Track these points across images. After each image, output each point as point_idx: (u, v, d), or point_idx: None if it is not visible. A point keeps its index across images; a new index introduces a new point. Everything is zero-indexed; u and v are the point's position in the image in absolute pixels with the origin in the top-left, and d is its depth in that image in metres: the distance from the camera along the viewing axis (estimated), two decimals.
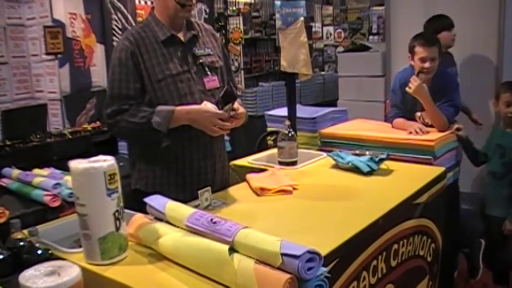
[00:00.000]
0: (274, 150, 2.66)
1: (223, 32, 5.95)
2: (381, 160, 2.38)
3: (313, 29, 7.35)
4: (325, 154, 2.63)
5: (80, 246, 1.50)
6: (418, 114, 2.98)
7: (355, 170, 2.32)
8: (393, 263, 1.89)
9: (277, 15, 2.96)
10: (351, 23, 7.19)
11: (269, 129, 3.38)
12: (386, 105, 4.15)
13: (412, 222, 2.02)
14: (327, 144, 2.90)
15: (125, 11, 4.64)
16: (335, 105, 5.00)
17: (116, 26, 4.58)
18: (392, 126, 3.05)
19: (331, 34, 7.49)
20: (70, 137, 3.85)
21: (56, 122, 4.23)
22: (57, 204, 2.45)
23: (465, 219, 3.40)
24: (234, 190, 2.19)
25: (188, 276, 1.37)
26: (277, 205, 1.96)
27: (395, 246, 1.89)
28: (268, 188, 2.07)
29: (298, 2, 2.90)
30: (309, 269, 1.19)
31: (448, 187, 2.49)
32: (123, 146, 3.65)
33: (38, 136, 3.63)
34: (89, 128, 4.08)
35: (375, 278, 1.76)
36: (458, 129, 2.87)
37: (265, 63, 6.93)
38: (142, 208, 1.67)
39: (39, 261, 1.28)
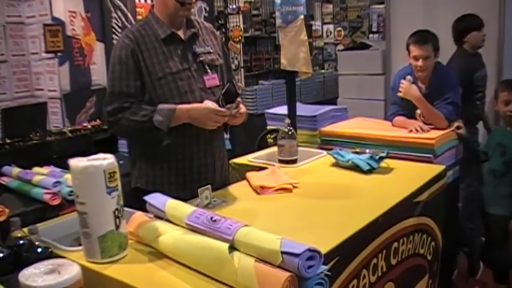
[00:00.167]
0: (274, 149, 2.66)
1: (223, 30, 5.95)
2: (381, 158, 2.38)
3: (313, 27, 7.34)
4: (325, 152, 2.63)
5: (80, 245, 1.50)
6: (418, 112, 2.98)
7: (355, 168, 2.32)
8: (393, 261, 1.89)
9: (277, 14, 2.96)
10: (351, 21, 7.20)
11: (269, 127, 3.38)
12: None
13: (412, 220, 2.02)
14: (327, 143, 2.90)
15: (125, 9, 4.63)
16: (335, 104, 4.99)
17: (116, 24, 4.58)
18: (393, 124, 3.05)
19: (331, 32, 7.48)
20: (70, 135, 3.84)
21: (55, 120, 4.23)
22: (57, 202, 2.46)
23: (465, 218, 3.40)
24: (234, 188, 2.19)
25: (188, 275, 1.37)
26: (277, 203, 1.96)
27: (396, 244, 1.89)
28: (268, 186, 2.08)
29: (298, 0, 2.90)
30: (309, 267, 1.19)
31: (448, 185, 2.49)
32: (123, 144, 3.65)
33: (37, 134, 3.62)
34: (89, 127, 4.08)
35: (375, 276, 1.77)
36: (458, 128, 2.87)
37: (265, 61, 6.92)
38: (142, 206, 1.67)
39: (39, 259, 1.28)
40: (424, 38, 2.99)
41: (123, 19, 4.62)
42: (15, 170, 2.78)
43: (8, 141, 3.45)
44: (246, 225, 1.34)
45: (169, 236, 1.48)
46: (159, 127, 2.00)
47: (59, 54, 4.17)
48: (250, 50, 6.81)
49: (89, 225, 1.43)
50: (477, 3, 4.40)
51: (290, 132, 2.49)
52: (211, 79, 2.17)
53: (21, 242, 1.45)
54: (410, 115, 3.01)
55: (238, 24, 5.99)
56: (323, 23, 7.54)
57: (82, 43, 4.39)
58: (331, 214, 1.82)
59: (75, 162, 1.43)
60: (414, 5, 4.84)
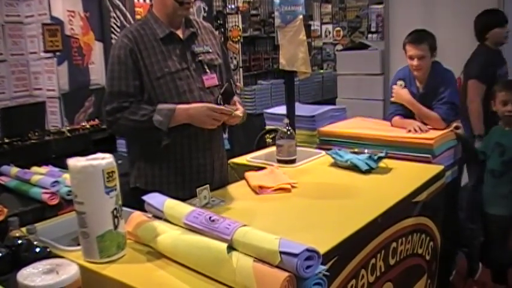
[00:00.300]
0: (273, 149, 2.66)
1: (222, 30, 5.95)
2: (380, 158, 2.38)
3: (312, 27, 7.34)
4: (323, 152, 2.63)
5: (78, 244, 1.50)
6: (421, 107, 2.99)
7: (354, 168, 2.32)
8: (392, 262, 1.89)
9: (276, 13, 2.96)
10: (350, 21, 7.21)
11: (268, 127, 3.38)
12: None
13: (410, 220, 2.02)
14: (326, 143, 2.90)
15: (124, 8, 4.63)
16: (334, 104, 4.99)
17: (115, 23, 4.57)
18: (392, 124, 3.05)
19: (330, 32, 7.48)
20: (68, 135, 3.84)
21: (54, 120, 4.23)
22: (55, 202, 2.45)
23: (465, 218, 3.40)
24: (232, 188, 2.19)
25: (186, 275, 1.37)
26: (276, 203, 1.96)
27: (394, 244, 1.90)
28: (267, 186, 2.07)
29: (297, 0, 2.90)
30: (308, 267, 1.19)
31: (447, 185, 2.49)
32: (121, 144, 3.65)
33: (36, 134, 3.62)
34: (88, 126, 4.07)
35: (374, 276, 1.77)
36: (457, 128, 2.88)
37: (264, 61, 6.93)
38: (141, 206, 1.67)
39: (37, 259, 1.28)
40: (419, 37, 3.00)
41: (122, 19, 4.62)
42: (14, 170, 2.78)
43: (6, 140, 3.45)
44: (244, 225, 1.34)
45: (168, 235, 1.48)
46: (158, 127, 2.00)
47: (57, 53, 4.17)
48: (249, 49, 6.81)
49: (87, 225, 1.43)
50: (477, 3, 4.40)
51: (289, 132, 2.49)
52: (210, 79, 2.17)
53: (19, 241, 1.44)
54: (410, 115, 3.01)
55: (237, 24, 5.99)
56: (322, 23, 7.54)
57: (81, 43, 4.39)
58: (330, 214, 1.82)
59: (74, 162, 1.43)
60: (413, 5, 4.84)
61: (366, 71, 5.37)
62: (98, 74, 4.51)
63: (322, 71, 7.17)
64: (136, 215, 1.62)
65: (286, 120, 2.57)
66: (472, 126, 3.48)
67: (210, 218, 1.40)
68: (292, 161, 2.48)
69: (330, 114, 3.19)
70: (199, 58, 2.17)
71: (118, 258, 1.47)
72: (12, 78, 4.16)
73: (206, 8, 5.60)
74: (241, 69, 6.07)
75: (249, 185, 2.15)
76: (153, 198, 1.64)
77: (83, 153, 1.53)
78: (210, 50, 2.23)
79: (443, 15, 4.57)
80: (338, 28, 7.36)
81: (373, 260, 1.75)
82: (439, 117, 2.88)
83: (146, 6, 4.69)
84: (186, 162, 2.13)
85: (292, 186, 2.10)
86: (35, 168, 2.83)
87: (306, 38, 2.89)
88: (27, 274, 1.18)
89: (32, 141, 3.56)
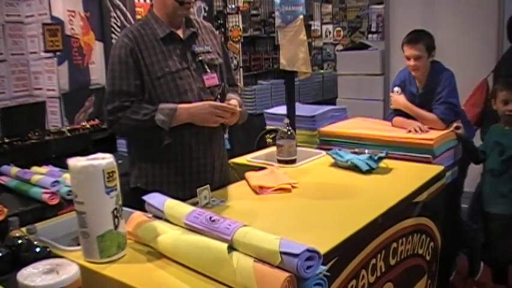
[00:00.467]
0: (273, 149, 2.66)
1: (222, 30, 5.94)
2: (380, 158, 2.38)
3: (312, 27, 7.33)
4: (324, 152, 2.63)
5: (79, 244, 1.50)
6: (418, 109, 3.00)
7: (354, 168, 2.32)
8: (392, 262, 1.89)
9: (277, 13, 2.96)
10: (350, 22, 7.20)
11: (268, 127, 3.38)
12: None
13: (411, 220, 2.02)
14: (326, 143, 2.90)
15: (124, 8, 4.63)
16: (334, 104, 4.99)
17: (115, 23, 4.57)
18: (392, 124, 3.06)
19: (330, 32, 7.47)
20: (69, 134, 3.84)
21: (54, 119, 4.22)
22: (55, 202, 2.45)
23: (466, 218, 3.39)
24: (232, 188, 2.19)
25: (187, 275, 1.37)
26: (276, 203, 1.96)
27: (394, 244, 1.89)
28: (267, 186, 2.07)
29: (298, 0, 2.89)
30: (308, 267, 1.19)
31: (447, 186, 2.49)
32: (121, 144, 3.64)
33: (36, 134, 3.62)
34: (88, 126, 4.07)
35: (374, 276, 1.76)
36: (457, 128, 2.87)
37: (264, 61, 6.92)
38: (142, 206, 1.67)
39: (37, 259, 1.28)
40: (415, 38, 3.01)
41: (122, 18, 4.62)
42: (14, 170, 2.78)
43: (6, 140, 3.44)
44: (245, 225, 1.34)
45: (168, 235, 1.47)
46: (161, 126, 2.00)
47: (57, 53, 4.17)
48: (249, 49, 6.80)
49: (87, 224, 1.43)
50: (477, 3, 4.40)
51: (289, 132, 2.49)
52: (211, 78, 2.17)
53: (19, 241, 1.44)
54: (410, 115, 3.01)
55: (237, 24, 5.99)
56: (322, 23, 7.53)
57: (81, 42, 4.39)
58: (330, 214, 1.82)
59: (74, 162, 1.43)
60: (413, 5, 4.84)
61: (366, 71, 5.36)
62: (98, 73, 4.51)
63: (322, 71, 7.16)
64: (137, 215, 1.62)
65: (287, 120, 2.57)
66: None
67: (210, 218, 1.40)
68: (293, 161, 2.48)
69: (330, 115, 3.19)
70: (200, 58, 2.17)
71: (118, 258, 1.47)
72: (12, 78, 4.16)
73: (206, 8, 5.60)
74: (241, 69, 6.06)
75: (249, 185, 2.15)
76: (154, 198, 1.64)
77: (83, 153, 1.53)
78: (211, 50, 2.23)
79: (444, 15, 4.57)
80: (338, 28, 7.36)
81: (373, 260, 1.75)
82: (436, 118, 2.88)
83: (146, 6, 4.68)
84: (186, 162, 2.13)
85: (293, 187, 2.10)
86: (35, 168, 2.83)
87: (306, 38, 2.89)
88: (27, 274, 1.18)
89: (32, 141, 3.55)
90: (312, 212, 1.86)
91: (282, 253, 1.20)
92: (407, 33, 3.08)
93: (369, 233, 1.70)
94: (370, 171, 2.30)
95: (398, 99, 3.07)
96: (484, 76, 3.97)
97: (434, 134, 2.71)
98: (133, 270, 1.41)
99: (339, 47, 7.12)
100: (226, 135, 2.52)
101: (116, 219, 1.45)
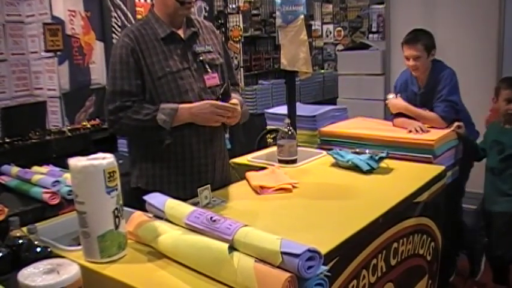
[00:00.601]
0: (274, 149, 2.66)
1: (223, 29, 5.94)
2: (381, 159, 2.38)
3: (313, 27, 7.33)
4: (324, 152, 2.63)
5: (79, 244, 1.49)
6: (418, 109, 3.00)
7: (355, 168, 2.32)
8: (393, 262, 1.89)
9: (278, 13, 2.96)
10: (351, 21, 7.20)
11: (269, 127, 3.38)
12: None
13: (412, 221, 2.02)
14: (327, 143, 2.90)
15: (125, 8, 4.62)
16: (335, 104, 4.99)
17: (116, 23, 4.57)
18: (393, 124, 3.06)
19: (330, 32, 7.47)
20: (69, 134, 3.83)
21: (55, 119, 4.22)
22: (56, 202, 2.45)
23: (467, 218, 3.39)
24: (233, 188, 2.19)
25: (187, 275, 1.37)
26: (277, 203, 1.96)
27: (395, 244, 1.89)
28: (268, 186, 2.07)
29: (298, 0, 2.89)
30: (309, 267, 1.19)
31: (448, 186, 2.49)
32: (122, 144, 3.64)
33: (37, 133, 3.61)
34: (88, 126, 4.07)
35: (375, 276, 1.76)
36: (459, 127, 2.87)
37: (265, 61, 6.91)
38: (142, 207, 1.67)
39: (38, 259, 1.27)
40: (413, 38, 3.01)
41: (123, 18, 4.61)
42: (15, 169, 2.78)
43: (7, 140, 3.44)
44: (245, 225, 1.34)
45: (169, 235, 1.47)
46: (162, 126, 2.00)
47: (58, 53, 4.16)
48: (250, 49, 6.80)
49: (88, 224, 1.43)
50: (477, 3, 4.40)
51: (290, 132, 2.49)
52: (212, 78, 2.17)
53: (20, 241, 1.44)
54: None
55: (238, 23, 5.98)
56: (323, 23, 7.53)
57: (82, 42, 4.38)
58: (331, 214, 1.82)
59: (75, 162, 1.43)
60: (414, 5, 4.84)
61: (367, 71, 5.36)
62: (98, 73, 4.50)
63: (323, 71, 7.16)
64: (137, 215, 1.61)
65: (287, 120, 2.57)
66: None
67: (211, 218, 1.40)
68: (293, 161, 2.48)
69: (331, 114, 3.19)
70: (201, 58, 2.16)
71: (119, 258, 1.47)
72: (12, 78, 4.15)
73: (207, 8, 5.60)
74: (242, 69, 6.06)
75: (250, 185, 2.15)
76: (154, 198, 1.64)
77: (84, 152, 1.53)
78: (212, 50, 2.23)
79: (444, 15, 4.57)
80: (339, 28, 7.35)
81: (374, 261, 1.75)
82: (437, 117, 2.89)
83: (147, 6, 4.68)
84: (187, 162, 2.13)
85: (293, 187, 2.10)
86: (35, 168, 2.83)
87: (307, 38, 2.89)
88: (27, 274, 1.17)
89: (33, 140, 3.55)
90: (313, 212, 1.86)
91: (283, 253, 1.19)
92: (407, 33, 3.08)
93: (369, 233, 1.70)
94: (370, 171, 2.30)
95: (397, 103, 3.08)
96: (485, 76, 3.97)
97: (435, 134, 2.71)
98: (133, 270, 1.41)
99: (340, 47, 7.12)
100: (227, 135, 2.52)
101: (117, 219, 1.45)
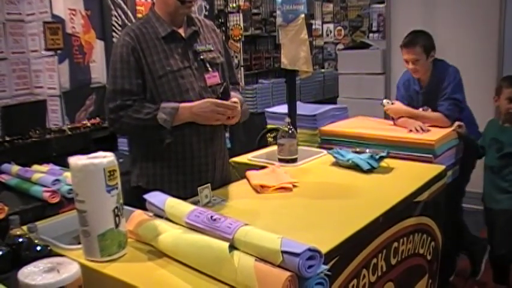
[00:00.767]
0: (274, 148, 2.66)
1: (223, 28, 5.93)
2: (381, 158, 2.38)
3: (313, 27, 7.33)
4: (325, 152, 2.62)
5: (79, 243, 1.49)
6: (420, 110, 2.99)
7: (356, 167, 2.32)
8: (393, 261, 1.89)
9: (278, 12, 2.96)
10: (351, 21, 7.20)
11: (269, 126, 3.37)
12: None
13: (412, 220, 2.02)
14: (327, 142, 2.90)
15: (125, 7, 4.62)
16: (335, 103, 4.99)
17: (116, 22, 4.56)
18: (395, 123, 3.06)
19: (331, 31, 7.47)
20: (69, 133, 3.83)
21: (55, 118, 4.22)
22: (56, 200, 2.45)
23: (467, 218, 3.39)
24: (233, 187, 2.19)
25: (188, 274, 1.37)
26: (277, 202, 1.96)
27: (396, 244, 1.89)
28: (268, 186, 2.07)
29: None
30: (310, 267, 1.19)
31: (448, 185, 2.49)
32: (122, 143, 3.64)
33: (37, 132, 3.61)
34: (88, 125, 4.06)
35: (375, 276, 1.76)
36: (459, 127, 2.87)
37: (265, 60, 6.91)
38: (143, 205, 1.67)
39: (38, 257, 1.27)
40: (411, 41, 3.00)
41: (123, 17, 4.61)
42: (15, 168, 2.78)
43: (7, 138, 3.44)
44: (246, 224, 1.34)
45: (169, 234, 1.47)
46: (163, 125, 2.00)
47: (58, 52, 4.16)
48: (250, 48, 6.80)
49: (88, 223, 1.43)
50: (477, 3, 4.40)
51: (290, 131, 2.49)
52: (212, 77, 2.17)
53: (20, 240, 1.44)
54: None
55: (238, 22, 5.98)
56: (323, 22, 7.54)
57: (82, 41, 4.38)
58: (331, 213, 1.82)
59: (75, 160, 1.43)
60: (414, 4, 4.83)
61: (367, 71, 5.36)
62: (99, 72, 4.50)
63: (323, 70, 7.16)
64: (138, 214, 1.61)
65: (288, 119, 2.57)
66: None
67: (211, 217, 1.40)
68: (294, 160, 2.48)
69: (331, 114, 3.19)
70: (201, 57, 2.16)
71: (119, 257, 1.47)
72: (13, 77, 4.15)
73: (207, 7, 5.59)
74: (242, 68, 6.05)
75: (250, 184, 2.15)
76: (155, 197, 1.64)
77: (84, 151, 1.53)
78: (212, 49, 2.22)
79: (444, 15, 4.57)
80: (339, 27, 7.36)
81: (374, 260, 1.75)
82: (440, 116, 2.89)
83: (148, 5, 4.67)
84: (187, 161, 2.13)
85: (294, 186, 2.10)
86: (35, 167, 2.83)
87: (307, 37, 2.89)
88: (28, 273, 1.17)
89: (33, 139, 3.55)
90: (313, 211, 1.86)
91: (283, 252, 1.19)
92: (405, 35, 3.07)
93: (370, 233, 1.70)
94: (371, 170, 2.30)
95: (399, 108, 3.06)
96: (485, 76, 3.97)
97: (435, 134, 2.71)
98: (134, 269, 1.41)
99: (340, 46, 7.12)
100: (227, 134, 2.52)
101: (117, 218, 1.45)
